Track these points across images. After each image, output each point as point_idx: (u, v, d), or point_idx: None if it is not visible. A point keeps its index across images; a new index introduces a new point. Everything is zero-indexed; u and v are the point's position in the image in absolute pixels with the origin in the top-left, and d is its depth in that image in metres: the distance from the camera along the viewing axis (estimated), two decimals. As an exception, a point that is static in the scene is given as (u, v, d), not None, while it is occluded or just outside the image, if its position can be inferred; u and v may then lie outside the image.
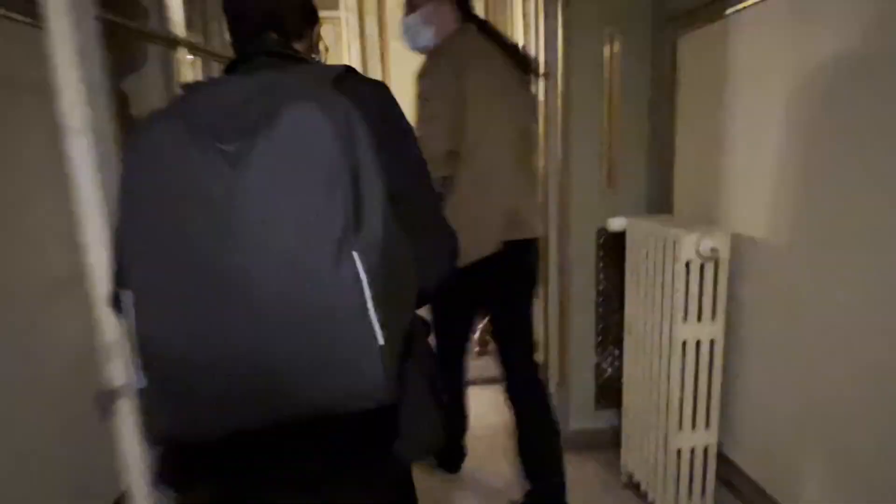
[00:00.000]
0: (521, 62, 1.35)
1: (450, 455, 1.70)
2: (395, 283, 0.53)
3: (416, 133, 0.76)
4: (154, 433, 0.55)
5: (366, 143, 0.52)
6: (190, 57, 1.54)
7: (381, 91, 0.69)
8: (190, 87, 0.63)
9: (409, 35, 1.34)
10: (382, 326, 0.48)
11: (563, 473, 1.39)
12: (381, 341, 0.48)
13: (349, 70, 0.66)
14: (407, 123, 0.71)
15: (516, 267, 1.34)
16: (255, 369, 0.49)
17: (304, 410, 0.52)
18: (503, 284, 1.36)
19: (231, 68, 0.69)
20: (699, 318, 1.25)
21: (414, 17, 1.31)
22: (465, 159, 1.21)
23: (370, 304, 0.48)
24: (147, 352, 0.50)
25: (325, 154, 0.48)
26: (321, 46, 0.86)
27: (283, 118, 0.48)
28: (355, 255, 0.48)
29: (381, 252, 0.50)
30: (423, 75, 1.28)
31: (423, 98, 1.27)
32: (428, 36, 1.31)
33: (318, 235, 0.48)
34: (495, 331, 1.48)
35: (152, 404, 0.52)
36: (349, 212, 0.48)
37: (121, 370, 0.72)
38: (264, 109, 0.49)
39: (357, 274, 0.47)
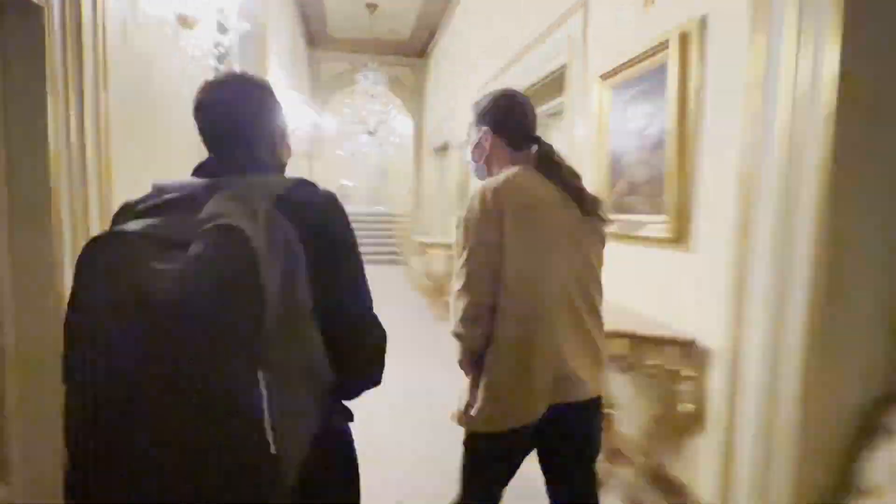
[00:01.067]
0: (584, 203, 1.13)
1: None
2: (294, 395, 0.62)
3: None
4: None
5: (291, 263, 0.62)
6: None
7: (325, 206, 0.75)
8: (157, 191, 0.73)
9: (473, 170, 1.29)
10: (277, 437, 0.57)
11: None
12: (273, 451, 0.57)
13: (301, 183, 0.73)
14: (349, 236, 0.77)
15: (569, 435, 1.15)
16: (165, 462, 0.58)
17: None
18: (553, 455, 1.19)
19: (198, 170, 0.78)
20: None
21: (467, 152, 1.27)
22: (507, 306, 1.06)
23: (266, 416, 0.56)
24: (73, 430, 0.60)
25: (243, 275, 0.56)
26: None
27: (214, 238, 0.58)
28: (259, 375, 0.56)
29: (286, 372, 0.60)
30: (469, 204, 1.10)
31: (463, 229, 1.10)
32: (483, 172, 1.23)
33: (231, 349, 0.57)
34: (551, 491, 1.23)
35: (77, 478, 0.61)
36: (258, 329, 0.56)
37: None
38: (202, 228, 0.59)
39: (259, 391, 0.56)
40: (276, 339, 0.59)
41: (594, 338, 1.13)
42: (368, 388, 0.80)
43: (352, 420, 0.83)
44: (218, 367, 0.57)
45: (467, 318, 1.05)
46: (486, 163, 1.20)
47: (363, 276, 0.79)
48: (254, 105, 0.81)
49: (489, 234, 1.05)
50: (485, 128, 1.18)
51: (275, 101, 0.85)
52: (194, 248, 0.58)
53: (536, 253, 1.06)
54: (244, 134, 0.80)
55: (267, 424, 0.56)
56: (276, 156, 0.86)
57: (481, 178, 1.22)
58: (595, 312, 1.15)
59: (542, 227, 1.08)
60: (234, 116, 0.80)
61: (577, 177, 1.16)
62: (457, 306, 1.07)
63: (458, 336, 1.09)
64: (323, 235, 0.71)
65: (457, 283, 1.07)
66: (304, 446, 0.64)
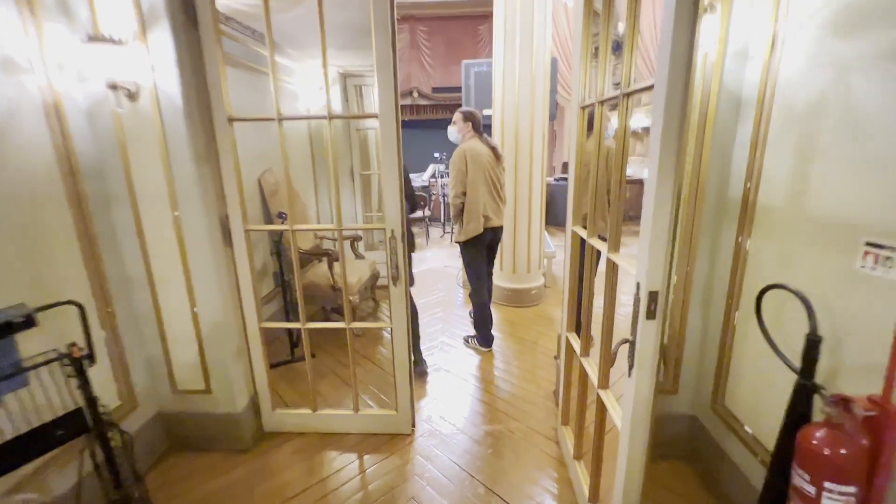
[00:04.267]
0: (495, 153, 3.25)
1: (488, 338, 3.51)
2: None
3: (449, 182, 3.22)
4: None
5: None
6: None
7: None
8: None
9: (451, 136, 3.35)
10: None
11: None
12: None
13: None
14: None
15: (492, 238, 3.35)
16: None
17: None
18: (488, 243, 3.36)
19: None
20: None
21: (452, 128, 3.32)
22: (468, 194, 3.15)
23: None
24: None
25: None
26: None
27: None
28: None
29: None
30: (452, 157, 3.18)
31: (453, 167, 3.16)
32: (458, 137, 3.31)
33: None
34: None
35: None
36: None
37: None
38: None
39: None
40: None
41: (498, 203, 3.27)
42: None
43: None
44: None
45: (455, 197, 3.16)
46: (462, 136, 3.26)
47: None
48: None
49: (462, 166, 3.11)
50: (467, 122, 3.23)
51: None
52: None
53: (478, 174, 3.13)
54: None
55: None
56: None
57: (455, 140, 3.34)
58: (499, 194, 3.27)
59: (481, 164, 3.13)
60: None
61: (494, 145, 3.25)
62: (450, 194, 3.19)
63: (452, 205, 3.21)
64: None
65: (450, 188, 3.19)
66: None
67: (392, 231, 2.10)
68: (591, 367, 1.80)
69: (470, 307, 3.82)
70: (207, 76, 1.96)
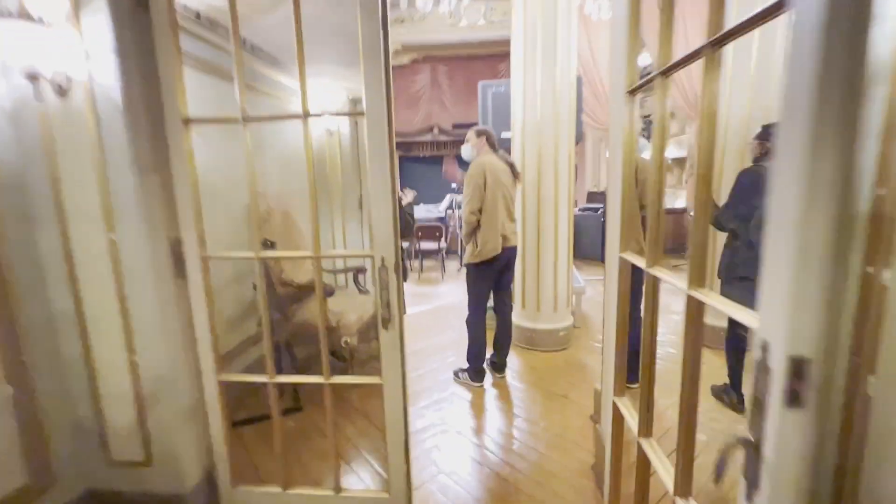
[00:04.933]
0: (513, 170, 3.07)
1: (480, 373, 3.20)
2: None
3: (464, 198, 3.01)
4: None
5: None
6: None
7: None
8: None
9: (465, 154, 3.11)
10: None
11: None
12: None
13: None
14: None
15: (507, 259, 3.08)
16: None
17: None
18: (502, 265, 3.08)
19: None
20: None
21: (466, 146, 3.10)
22: (485, 211, 2.93)
23: None
24: None
25: None
26: None
27: None
28: None
29: None
30: (469, 171, 2.95)
31: (470, 181, 2.92)
32: (472, 154, 3.05)
33: None
34: (494, 287, 3.18)
35: None
36: None
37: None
38: None
39: None
40: None
41: (513, 222, 3.09)
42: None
43: None
44: None
45: (472, 214, 2.92)
46: (477, 151, 3.04)
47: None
48: None
49: (481, 180, 2.89)
50: (482, 137, 3.05)
51: None
52: None
53: (497, 190, 2.92)
54: None
55: None
56: None
57: (469, 158, 3.08)
58: (512, 213, 3.08)
59: (499, 180, 2.93)
60: None
61: (512, 161, 3.09)
62: (465, 210, 2.96)
63: (467, 222, 2.95)
64: None
65: (465, 203, 2.95)
66: None
67: (382, 259, 1.64)
68: (660, 459, 1.25)
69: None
70: (160, 69, 1.59)
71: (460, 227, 7.49)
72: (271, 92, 3.30)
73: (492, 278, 3.09)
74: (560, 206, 3.61)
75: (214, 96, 2.57)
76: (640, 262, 1.36)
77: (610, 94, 1.82)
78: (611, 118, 1.82)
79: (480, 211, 2.91)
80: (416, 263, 7.17)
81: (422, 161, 9.96)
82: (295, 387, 2.96)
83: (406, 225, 2.64)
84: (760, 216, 2.34)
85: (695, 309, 1.07)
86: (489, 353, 3.30)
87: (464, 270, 6.96)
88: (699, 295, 1.04)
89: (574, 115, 3.65)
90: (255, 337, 3.20)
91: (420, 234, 7.05)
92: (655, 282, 1.28)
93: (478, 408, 2.93)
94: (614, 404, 1.59)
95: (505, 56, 8.84)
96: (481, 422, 2.76)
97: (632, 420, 1.45)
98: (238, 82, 1.58)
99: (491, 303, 3.24)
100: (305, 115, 1.61)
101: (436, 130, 8.98)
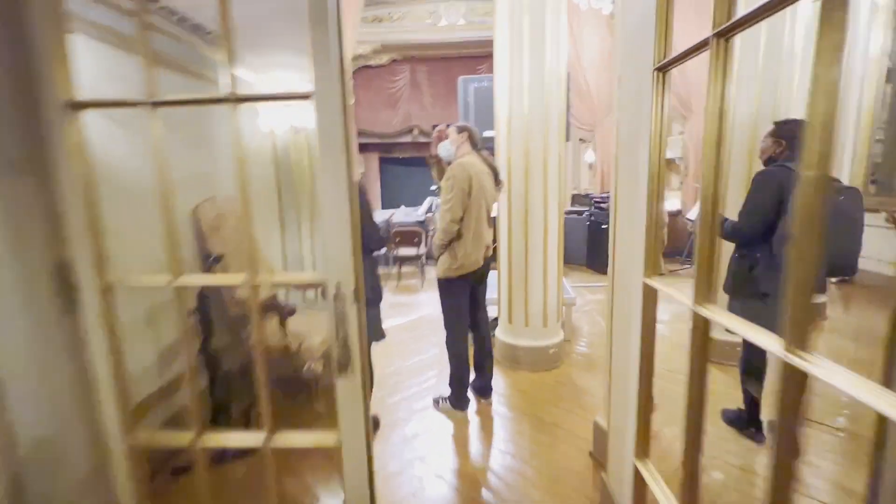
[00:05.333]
0: (496, 175, 2.76)
1: (463, 399, 2.86)
2: None
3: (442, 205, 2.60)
4: None
5: None
6: None
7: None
8: None
9: (442, 152, 2.73)
10: None
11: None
12: None
13: None
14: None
15: (485, 269, 2.79)
16: None
17: None
18: (479, 277, 2.77)
19: None
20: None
21: (444, 142, 2.72)
22: (468, 220, 2.61)
23: None
24: None
25: None
26: None
27: None
28: None
29: None
30: (451, 172, 2.58)
31: (452, 184, 2.55)
32: (451, 152, 2.70)
33: None
34: (471, 301, 2.81)
35: None
36: None
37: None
38: None
39: None
40: None
41: (491, 228, 2.80)
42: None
43: None
44: None
45: (452, 223, 2.54)
46: (456, 149, 2.68)
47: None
48: None
49: (465, 185, 2.53)
50: (463, 133, 2.69)
51: None
52: None
53: (480, 197, 2.59)
54: None
55: None
56: None
57: (451, 158, 2.69)
58: (490, 220, 2.77)
59: (482, 186, 2.61)
60: None
61: (495, 166, 2.77)
62: (444, 218, 2.55)
63: (446, 231, 2.56)
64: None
65: (445, 210, 2.54)
66: None
67: (338, 284, 1.26)
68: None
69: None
70: (34, 39, 1.18)
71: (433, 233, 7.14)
72: (223, 81, 2.88)
73: (467, 293, 2.74)
74: (549, 210, 3.28)
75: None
76: (663, 286, 1.03)
77: (621, 77, 1.49)
78: (620, 108, 1.49)
79: (462, 220, 2.57)
80: (393, 270, 6.78)
81: (401, 163, 9.59)
82: (248, 413, 2.54)
83: (370, 237, 2.16)
84: (783, 226, 2.05)
85: (701, 328, 0.76)
86: (472, 375, 2.95)
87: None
88: (709, 313, 0.74)
89: (564, 111, 3.34)
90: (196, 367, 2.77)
91: (398, 239, 6.67)
92: (652, 293, 0.96)
93: (461, 443, 2.57)
94: (635, 470, 1.25)
95: (485, 57, 8.60)
96: (465, 463, 2.39)
97: (662, 494, 1.11)
98: (144, 53, 1.19)
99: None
100: (235, 99, 1.22)
101: (416, 132, 8.71)
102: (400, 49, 7.96)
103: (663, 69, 1.09)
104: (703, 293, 0.99)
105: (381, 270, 7.10)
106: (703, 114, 0.96)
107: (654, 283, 1.18)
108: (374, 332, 2.43)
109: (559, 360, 3.47)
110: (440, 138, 2.73)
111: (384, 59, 8.10)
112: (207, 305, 2.31)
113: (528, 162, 3.23)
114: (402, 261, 6.75)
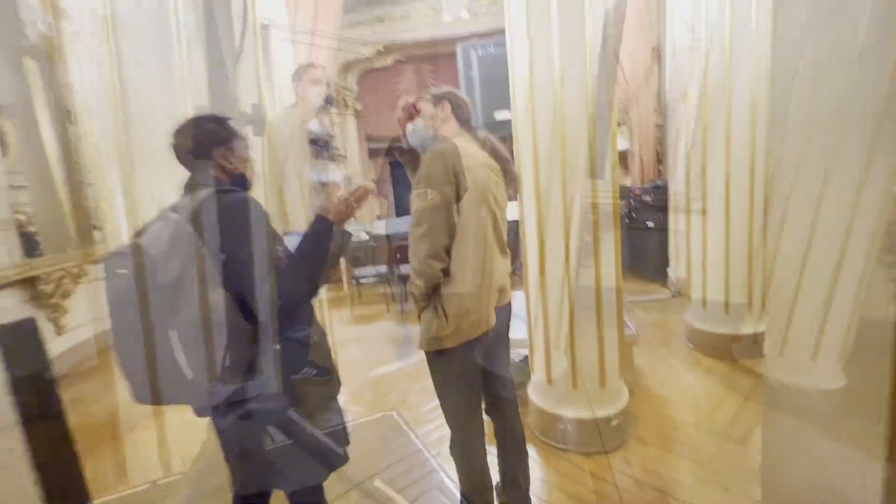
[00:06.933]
0: (503, 164, 1.69)
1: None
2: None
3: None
4: None
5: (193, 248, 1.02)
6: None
7: (224, 210, 1.12)
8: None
9: (412, 138, 1.67)
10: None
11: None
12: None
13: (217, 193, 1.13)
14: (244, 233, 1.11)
15: (502, 325, 1.66)
16: None
17: None
18: (493, 338, 1.63)
19: None
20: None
21: (416, 123, 1.66)
22: (460, 249, 1.50)
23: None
24: None
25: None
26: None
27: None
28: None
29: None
30: (424, 171, 1.51)
31: (422, 195, 1.48)
32: (425, 136, 1.64)
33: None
34: (484, 375, 1.67)
35: None
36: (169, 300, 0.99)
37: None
38: None
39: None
40: None
41: (506, 257, 1.66)
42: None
43: None
44: None
45: (431, 259, 1.48)
46: (432, 132, 1.66)
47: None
48: None
49: (448, 188, 1.48)
50: (442, 104, 1.65)
51: None
52: None
53: (479, 203, 1.54)
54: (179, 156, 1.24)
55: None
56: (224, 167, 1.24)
57: (425, 144, 1.67)
58: (504, 240, 1.67)
59: (480, 184, 1.54)
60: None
61: (501, 151, 1.72)
62: (419, 253, 1.49)
63: (423, 275, 1.48)
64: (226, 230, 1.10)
65: (416, 240, 1.51)
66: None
67: None
68: None
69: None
70: None
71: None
72: None
73: (478, 367, 1.65)
74: (601, 217, 2.25)
75: None
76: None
77: None
78: None
79: (448, 252, 1.51)
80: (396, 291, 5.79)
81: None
82: None
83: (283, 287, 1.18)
84: None
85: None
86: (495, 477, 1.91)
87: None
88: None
89: (614, 74, 2.31)
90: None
91: (399, 255, 5.68)
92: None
93: None
94: None
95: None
96: None
97: None
98: None
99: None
100: None
101: (421, 133, 8.08)
102: (403, 49, 7.51)
103: None
104: None
105: (382, 289, 6.04)
106: None
107: None
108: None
109: (623, 433, 2.41)
110: (409, 118, 1.68)
111: (388, 61, 7.71)
112: None
113: (564, 150, 2.21)
114: (406, 279, 5.73)
